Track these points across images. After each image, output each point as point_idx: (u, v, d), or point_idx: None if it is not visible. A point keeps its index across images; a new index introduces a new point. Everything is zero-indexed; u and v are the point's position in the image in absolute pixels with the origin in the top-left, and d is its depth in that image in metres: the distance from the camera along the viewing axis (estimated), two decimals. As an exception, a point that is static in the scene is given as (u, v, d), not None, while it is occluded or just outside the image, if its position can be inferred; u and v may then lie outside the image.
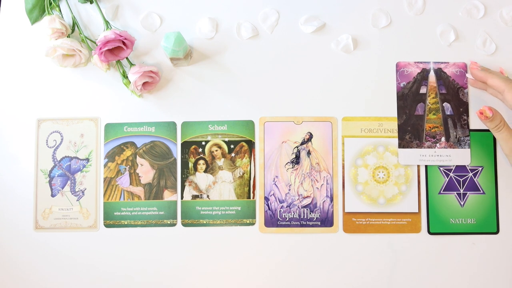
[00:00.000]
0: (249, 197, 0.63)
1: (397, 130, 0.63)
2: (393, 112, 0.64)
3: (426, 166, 0.63)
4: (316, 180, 0.63)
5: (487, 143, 0.63)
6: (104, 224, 0.63)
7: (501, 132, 0.58)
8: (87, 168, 0.64)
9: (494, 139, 0.63)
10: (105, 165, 0.64)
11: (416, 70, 0.64)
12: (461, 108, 0.63)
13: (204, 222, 0.63)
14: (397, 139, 0.63)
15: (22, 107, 0.65)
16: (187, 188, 0.63)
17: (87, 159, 0.64)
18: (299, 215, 0.63)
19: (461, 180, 0.63)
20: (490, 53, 0.64)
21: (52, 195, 0.63)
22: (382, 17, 0.65)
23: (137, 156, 0.64)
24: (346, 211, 0.63)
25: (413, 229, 0.63)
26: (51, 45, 0.61)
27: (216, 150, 0.64)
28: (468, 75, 0.62)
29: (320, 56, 0.65)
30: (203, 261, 0.62)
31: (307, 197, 0.63)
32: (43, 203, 0.63)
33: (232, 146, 0.64)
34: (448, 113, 0.63)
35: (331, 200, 0.63)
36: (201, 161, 0.64)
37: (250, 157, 0.64)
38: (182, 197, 0.63)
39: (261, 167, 0.64)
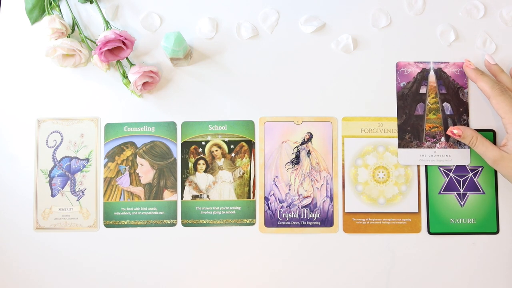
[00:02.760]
0: (249, 197, 0.63)
1: (397, 130, 0.63)
2: (393, 112, 0.64)
3: (426, 166, 0.63)
4: (316, 180, 0.63)
5: (487, 143, 0.63)
6: (104, 224, 0.63)
7: (475, 147, 0.59)
8: (87, 168, 0.64)
9: (495, 138, 0.63)
10: (105, 165, 0.64)
11: (416, 70, 0.64)
12: (461, 108, 0.63)
13: (204, 222, 0.63)
14: (397, 139, 0.63)
15: (22, 107, 0.65)
16: (187, 188, 0.63)
17: (87, 159, 0.64)
18: (299, 215, 0.63)
19: (461, 180, 0.63)
20: (490, 53, 0.64)
21: (52, 195, 0.63)
22: (382, 17, 0.65)
23: (137, 156, 0.64)
24: (346, 211, 0.63)
25: (413, 229, 0.63)
26: (51, 45, 0.61)
27: (216, 150, 0.64)
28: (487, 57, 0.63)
29: (320, 56, 0.65)
30: (203, 261, 0.62)
31: (307, 197, 0.63)
32: (43, 203, 0.63)
33: (232, 146, 0.64)
34: (448, 113, 0.63)
35: (331, 200, 0.63)
36: (201, 161, 0.64)
37: (250, 157, 0.64)
38: (182, 197, 0.63)
39: (261, 167, 0.64)
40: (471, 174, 0.63)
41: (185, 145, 0.64)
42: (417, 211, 0.63)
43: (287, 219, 0.63)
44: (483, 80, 0.59)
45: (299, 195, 0.63)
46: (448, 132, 0.60)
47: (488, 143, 0.59)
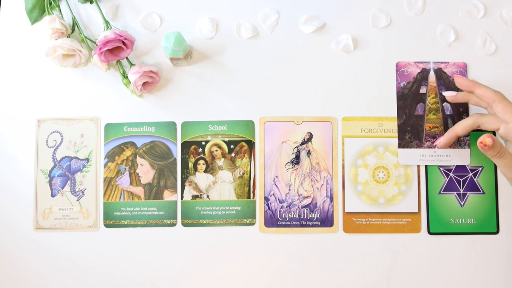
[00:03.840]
0: (249, 197, 0.63)
1: (397, 130, 0.63)
2: (393, 112, 0.64)
3: (426, 166, 0.63)
4: (316, 180, 0.63)
5: (487, 143, 0.63)
6: (104, 224, 0.63)
7: (504, 157, 0.54)
8: (87, 168, 0.64)
9: (494, 139, 0.63)
10: (105, 165, 0.64)
11: (416, 70, 0.64)
12: (461, 108, 0.63)
13: (204, 222, 0.63)
14: (397, 139, 0.63)
15: (22, 107, 0.65)
16: (187, 188, 0.63)
17: (87, 159, 0.64)
18: (299, 215, 0.63)
19: (461, 180, 0.63)
20: (490, 53, 0.64)
21: (52, 195, 0.63)
22: (382, 17, 0.65)
23: (137, 156, 0.64)
24: (346, 211, 0.63)
25: (413, 229, 0.63)
26: (51, 45, 0.61)
27: (216, 150, 0.64)
28: (445, 93, 0.60)
29: (320, 56, 0.65)
30: (203, 261, 0.62)
31: (307, 197, 0.63)
32: (43, 203, 0.63)
33: (232, 146, 0.64)
34: (448, 113, 0.63)
35: (331, 200, 0.63)
36: (201, 161, 0.64)
37: (250, 157, 0.64)
38: (182, 197, 0.63)
39: (261, 167, 0.64)
40: (471, 174, 0.63)
41: (185, 145, 0.64)
42: (417, 211, 0.63)
43: (287, 219, 0.63)
44: (483, 86, 0.56)
45: (299, 195, 0.63)
46: (480, 142, 0.53)
47: None
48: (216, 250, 0.63)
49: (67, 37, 0.63)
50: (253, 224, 0.63)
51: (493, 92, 0.56)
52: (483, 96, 0.56)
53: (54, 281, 0.62)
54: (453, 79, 0.64)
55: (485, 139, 0.53)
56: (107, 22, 0.63)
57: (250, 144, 0.64)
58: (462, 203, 0.63)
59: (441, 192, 0.63)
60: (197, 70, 0.65)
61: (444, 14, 0.65)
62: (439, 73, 0.64)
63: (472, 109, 0.63)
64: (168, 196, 0.63)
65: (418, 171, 0.63)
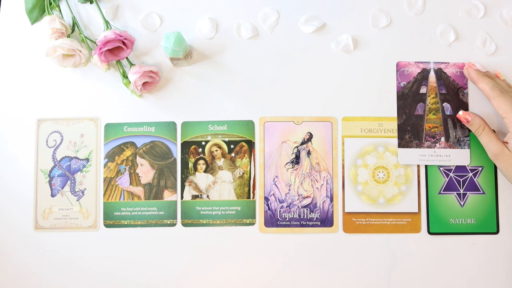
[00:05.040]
0: (249, 197, 0.63)
1: (397, 130, 0.63)
2: (393, 112, 0.64)
3: (426, 166, 0.63)
4: (316, 180, 0.63)
5: (487, 143, 0.63)
6: (104, 224, 0.63)
7: (480, 136, 0.60)
8: (87, 168, 0.64)
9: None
10: (105, 165, 0.64)
11: (416, 70, 0.64)
12: (461, 108, 0.63)
13: (204, 222, 0.63)
14: (397, 139, 0.63)
15: (22, 107, 0.65)
16: (187, 188, 0.63)
17: (87, 159, 0.64)
18: (299, 215, 0.63)
19: (461, 180, 0.63)
20: (490, 53, 0.64)
21: (52, 195, 0.63)
22: (382, 17, 0.65)
23: (137, 156, 0.64)
24: (346, 211, 0.63)
25: (413, 229, 0.63)
26: (51, 45, 0.61)
27: (216, 150, 0.64)
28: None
29: (320, 56, 0.65)
30: (203, 261, 0.62)
31: (307, 197, 0.63)
32: (43, 203, 0.63)
33: (232, 146, 0.64)
34: (448, 113, 0.63)
35: (331, 200, 0.63)
36: (201, 161, 0.64)
37: (250, 157, 0.64)
38: (182, 197, 0.63)
39: (261, 167, 0.64)
40: (471, 174, 0.63)
41: (185, 145, 0.64)
42: (417, 211, 0.63)
43: (287, 219, 0.63)
44: (484, 82, 0.60)
45: (299, 195, 0.63)
46: (457, 115, 0.61)
47: (493, 136, 0.59)
48: (216, 250, 0.63)
49: (67, 37, 0.63)
50: (253, 224, 0.63)
51: (490, 88, 0.59)
52: (482, 91, 0.61)
53: (54, 281, 0.62)
54: (453, 80, 0.64)
55: (463, 117, 0.61)
56: (107, 22, 0.62)
57: (250, 144, 0.64)
58: (462, 203, 0.63)
59: (441, 192, 0.63)
60: (197, 70, 0.65)
61: (444, 14, 0.65)
62: (439, 73, 0.64)
63: (471, 110, 0.63)
64: (168, 196, 0.63)
65: (418, 171, 0.63)
